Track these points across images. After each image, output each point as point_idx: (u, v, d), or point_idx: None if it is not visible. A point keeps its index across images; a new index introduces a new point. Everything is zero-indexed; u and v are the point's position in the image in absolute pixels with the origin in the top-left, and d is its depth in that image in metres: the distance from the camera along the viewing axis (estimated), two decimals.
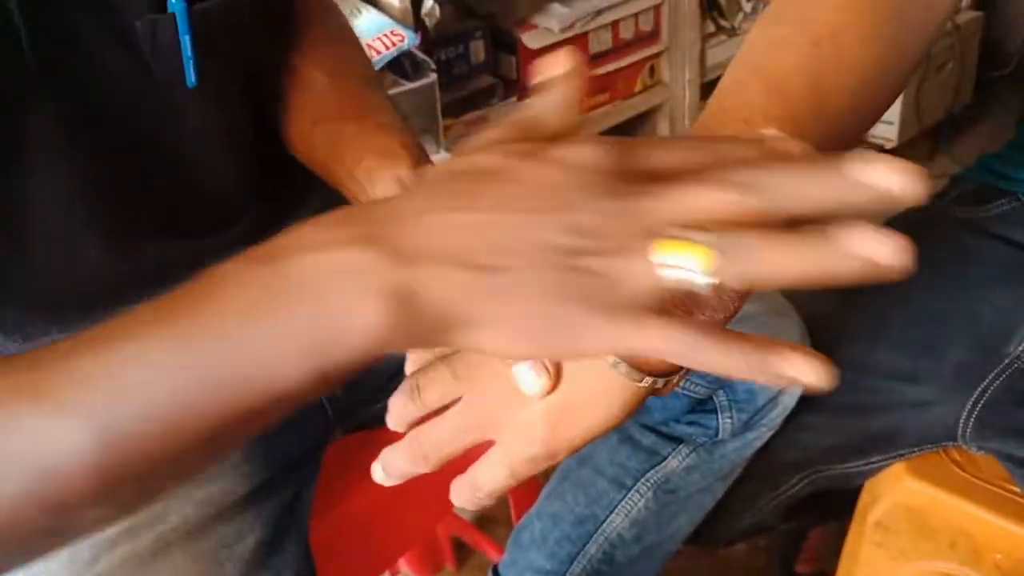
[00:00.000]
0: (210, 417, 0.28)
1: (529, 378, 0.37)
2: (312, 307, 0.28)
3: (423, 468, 0.38)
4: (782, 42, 0.44)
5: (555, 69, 0.35)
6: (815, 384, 0.29)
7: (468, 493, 0.39)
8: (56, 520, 0.28)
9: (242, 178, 0.56)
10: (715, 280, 0.28)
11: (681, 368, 0.38)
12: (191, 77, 0.48)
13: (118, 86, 0.47)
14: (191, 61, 0.48)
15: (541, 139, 0.33)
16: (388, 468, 0.39)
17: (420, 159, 0.55)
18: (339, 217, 0.30)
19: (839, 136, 0.43)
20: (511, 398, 0.37)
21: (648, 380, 0.37)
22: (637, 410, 0.72)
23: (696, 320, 0.32)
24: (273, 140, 0.63)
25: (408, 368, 0.41)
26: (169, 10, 0.46)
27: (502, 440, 0.38)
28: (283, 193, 0.62)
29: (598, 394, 0.37)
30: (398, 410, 0.40)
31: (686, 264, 0.28)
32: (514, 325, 0.29)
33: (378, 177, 0.53)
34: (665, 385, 0.38)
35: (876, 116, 0.48)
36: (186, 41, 0.47)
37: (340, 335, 0.28)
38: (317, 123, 0.59)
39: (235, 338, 0.28)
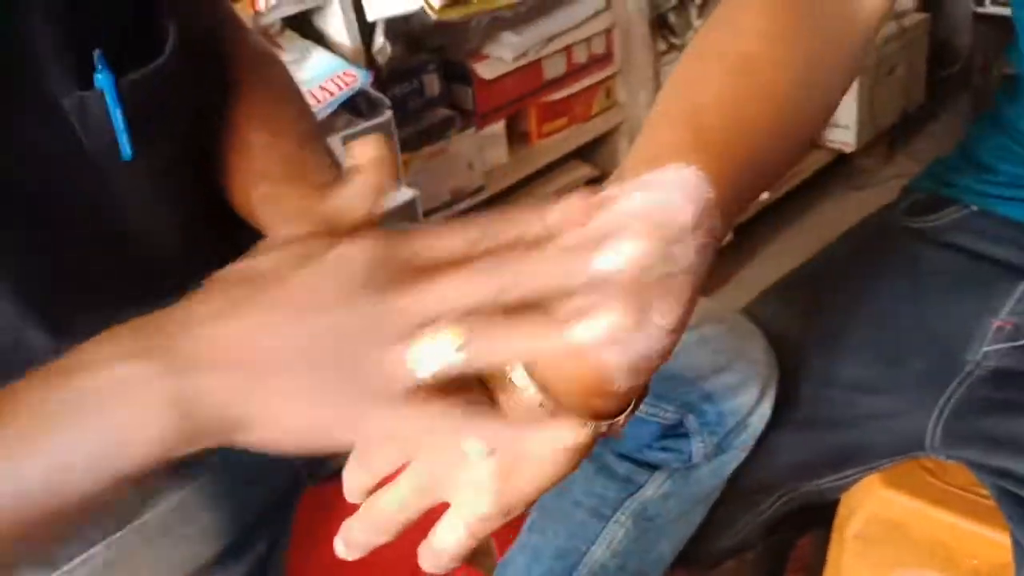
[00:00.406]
0: (18, 517, 0.31)
1: (472, 443, 0.36)
2: (98, 420, 0.31)
3: (382, 537, 0.39)
4: (700, 76, 0.45)
5: (365, 155, 0.38)
6: None
7: (432, 559, 0.39)
8: None
9: (189, 244, 0.55)
10: (464, 355, 0.32)
11: (628, 407, 0.39)
12: (126, 150, 0.47)
13: (47, 163, 0.47)
14: (124, 134, 0.47)
15: (343, 230, 0.36)
16: (348, 542, 0.39)
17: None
18: (131, 327, 0.33)
19: (764, 159, 0.43)
20: (458, 459, 0.37)
21: (590, 426, 0.37)
22: (599, 445, 0.72)
23: (450, 400, 0.34)
24: (215, 202, 0.62)
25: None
26: (96, 86, 0.45)
27: (455, 501, 0.38)
28: (235, 255, 0.61)
29: (543, 447, 0.37)
30: (351, 481, 0.40)
31: (440, 350, 0.32)
32: (284, 422, 0.32)
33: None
34: (610, 428, 0.38)
35: (808, 133, 0.48)
36: (117, 115, 0.46)
37: (125, 447, 0.31)
38: (256, 186, 0.58)
39: (37, 453, 0.31)
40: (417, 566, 0.95)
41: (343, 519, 0.71)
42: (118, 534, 0.52)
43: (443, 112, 1.45)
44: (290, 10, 1.22)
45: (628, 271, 0.32)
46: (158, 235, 0.53)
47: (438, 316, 0.32)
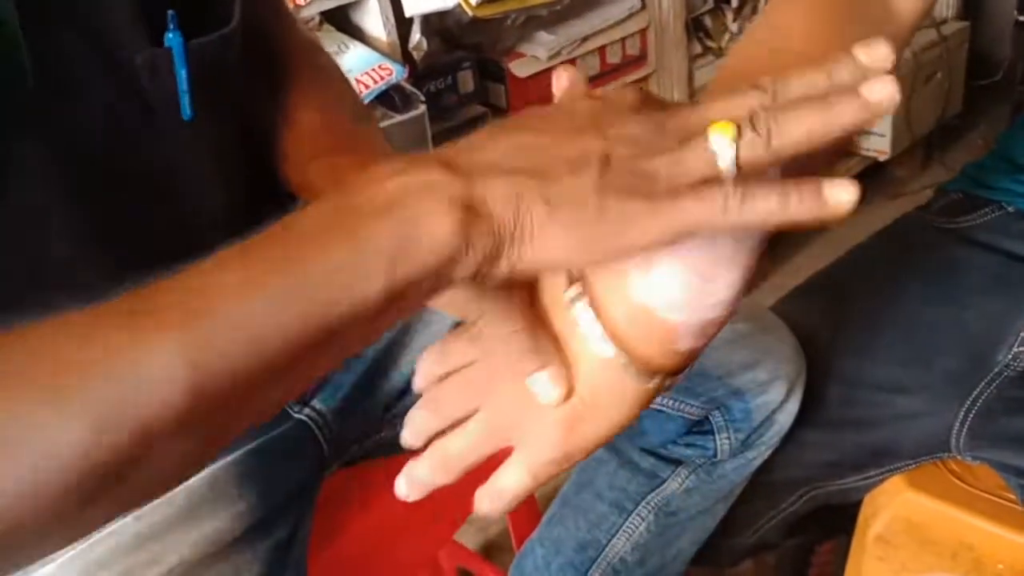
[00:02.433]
0: (293, 335, 0.29)
1: (545, 387, 0.38)
2: (390, 219, 0.30)
3: (445, 479, 0.39)
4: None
5: (559, 87, 0.39)
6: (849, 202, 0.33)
7: (491, 500, 0.39)
8: (142, 446, 0.27)
9: (235, 211, 0.56)
10: (738, 155, 0.32)
11: (686, 367, 0.40)
12: (186, 110, 0.49)
13: (111, 116, 0.48)
14: (187, 95, 0.48)
15: None
16: (411, 480, 0.39)
17: None
18: (406, 156, 0.33)
19: None
20: (528, 405, 0.38)
21: (656, 379, 0.38)
22: (634, 431, 0.73)
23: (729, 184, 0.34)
24: (265, 176, 0.64)
25: (418, 383, 0.41)
26: (166, 45, 0.47)
27: (521, 446, 0.39)
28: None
29: (611, 397, 0.38)
30: (416, 424, 0.41)
31: (719, 139, 0.32)
32: (565, 231, 0.32)
33: None
34: (669, 384, 0.40)
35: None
36: (182, 75, 0.48)
37: (416, 244, 0.30)
38: (312, 159, 0.60)
39: (320, 254, 0.30)
40: (435, 559, 0.95)
41: (364, 508, 0.72)
42: (147, 507, 0.54)
43: (477, 109, 1.46)
44: (329, 4, 1.23)
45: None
46: (203, 201, 0.54)
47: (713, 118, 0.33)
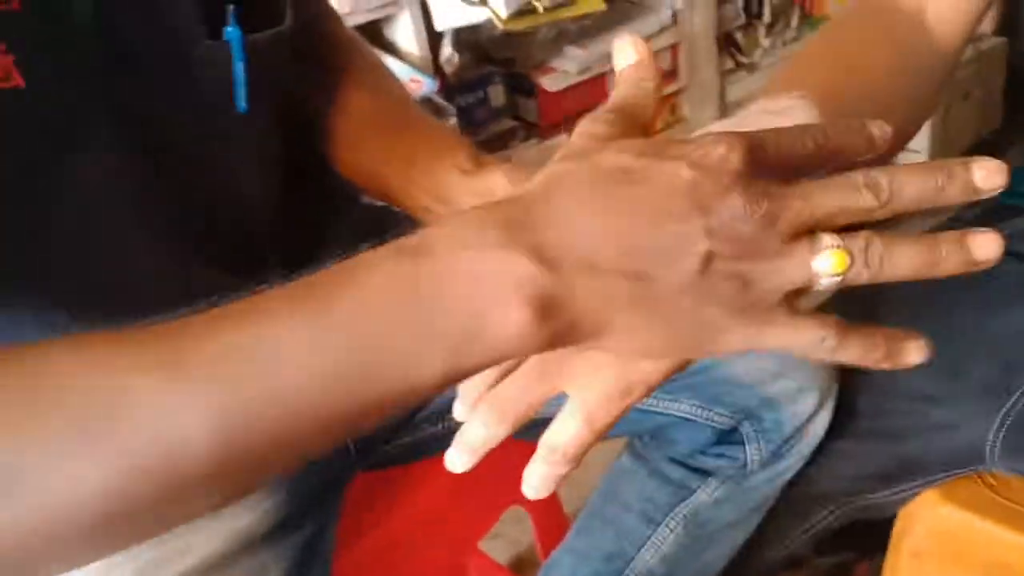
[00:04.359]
0: (337, 405, 0.28)
1: None
2: (458, 305, 0.28)
3: (500, 429, 0.35)
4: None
5: (626, 57, 0.37)
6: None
7: (546, 462, 0.35)
8: (168, 501, 0.27)
9: (280, 204, 0.57)
10: (840, 281, 0.31)
11: None
12: (241, 103, 0.50)
13: (170, 104, 0.49)
14: (242, 87, 0.49)
15: (642, 128, 0.35)
16: (464, 445, 0.36)
17: (483, 160, 0.57)
18: (484, 216, 0.30)
19: None
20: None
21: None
22: (663, 440, 0.70)
23: (831, 317, 0.33)
24: (308, 171, 0.65)
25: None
26: (225, 38, 0.48)
27: (573, 388, 0.35)
28: (318, 222, 0.63)
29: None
30: (467, 389, 0.38)
31: (827, 266, 0.31)
32: (654, 332, 0.30)
33: (458, 176, 0.56)
34: None
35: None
36: (239, 68, 0.49)
37: (482, 339, 0.28)
38: (365, 135, 0.61)
39: (376, 329, 0.28)
40: (463, 571, 0.95)
41: (390, 511, 0.72)
42: None
43: (507, 123, 1.47)
44: (362, 19, 1.25)
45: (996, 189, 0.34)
46: (253, 194, 0.55)
47: (820, 223, 0.31)
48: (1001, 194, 0.79)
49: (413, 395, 0.29)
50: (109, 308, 0.44)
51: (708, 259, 0.29)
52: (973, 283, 0.71)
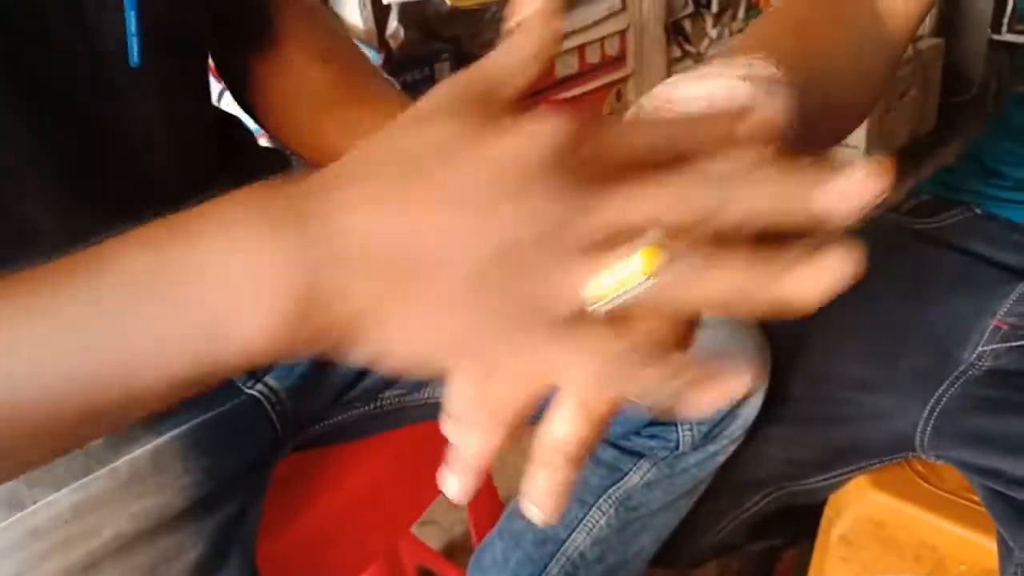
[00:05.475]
0: (66, 404, 0.25)
1: None
2: (198, 297, 0.25)
3: (496, 435, 0.32)
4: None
5: (529, 6, 0.32)
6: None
7: (546, 467, 0.31)
8: None
9: (182, 164, 0.55)
10: (655, 285, 0.26)
11: None
12: (134, 56, 0.47)
13: (65, 54, 0.46)
14: (135, 38, 0.47)
15: (503, 102, 0.30)
16: (462, 456, 0.32)
17: None
18: (268, 190, 0.27)
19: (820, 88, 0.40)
20: None
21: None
22: None
23: (629, 339, 0.28)
24: (229, 141, 0.62)
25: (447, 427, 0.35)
26: None
27: (564, 379, 0.31)
28: (227, 175, 0.61)
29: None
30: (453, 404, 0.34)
31: (627, 270, 0.26)
32: (418, 340, 0.27)
33: None
34: None
35: (856, 100, 0.48)
36: (131, 17, 0.46)
37: (226, 338, 0.26)
38: (325, 111, 0.58)
39: (106, 326, 0.25)
40: (396, 555, 0.93)
41: (320, 492, 0.71)
42: (87, 478, 0.51)
43: None
44: None
45: (853, 212, 0.26)
46: (156, 149, 0.53)
47: (632, 229, 0.26)
48: (940, 187, 0.81)
49: (148, 398, 0.26)
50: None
51: (489, 258, 0.26)
52: (912, 273, 0.72)
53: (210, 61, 0.60)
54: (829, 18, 0.48)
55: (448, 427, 0.33)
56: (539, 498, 0.31)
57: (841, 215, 0.26)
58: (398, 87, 1.28)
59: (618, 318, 0.28)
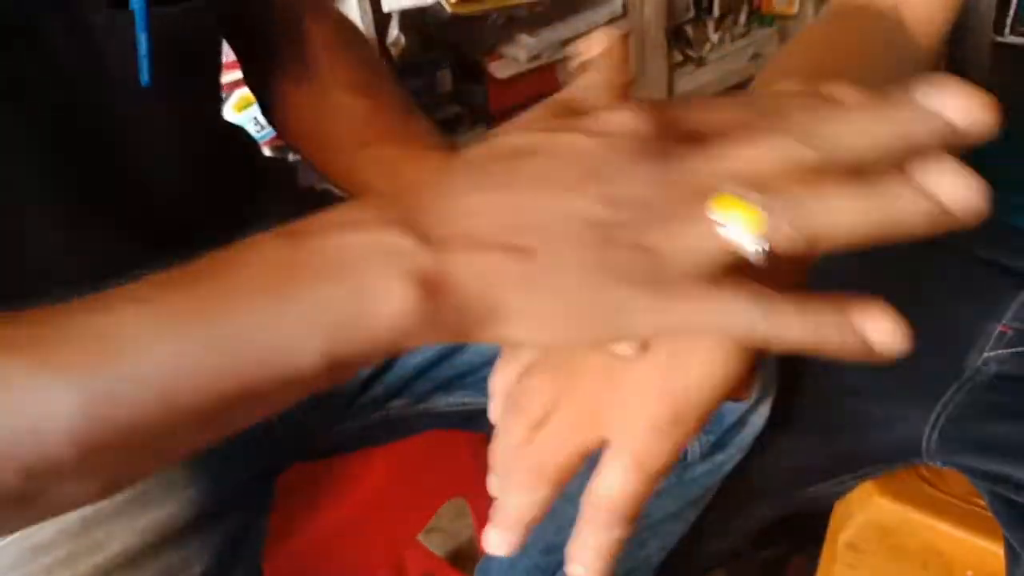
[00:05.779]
0: (208, 393, 0.26)
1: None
2: (335, 286, 0.26)
3: (543, 492, 0.32)
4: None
5: (592, 50, 0.34)
6: (891, 345, 0.29)
7: (597, 526, 0.30)
8: (30, 485, 0.25)
9: (192, 189, 0.55)
10: (766, 245, 0.26)
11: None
12: (144, 76, 0.47)
13: (69, 78, 0.46)
14: (145, 59, 0.47)
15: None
16: (507, 513, 0.32)
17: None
18: (372, 199, 0.28)
19: None
20: (608, 375, 0.32)
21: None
22: None
23: (759, 286, 0.28)
24: (234, 154, 0.62)
25: (495, 410, 0.36)
26: (131, 7, 0.46)
27: (615, 428, 0.31)
28: (242, 209, 0.61)
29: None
30: (498, 459, 0.35)
31: (739, 227, 0.26)
32: (552, 312, 0.27)
33: None
34: None
35: None
36: (142, 39, 0.46)
37: (362, 319, 0.26)
38: (361, 147, 0.58)
39: (247, 312, 0.26)
40: (401, 562, 0.93)
41: (327, 503, 0.71)
42: None
43: (454, 109, 1.45)
44: None
45: (946, 134, 0.26)
46: (159, 172, 0.53)
47: (735, 179, 0.26)
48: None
49: (291, 385, 0.27)
50: (11, 283, 0.41)
51: (603, 229, 0.27)
52: (918, 280, 0.72)
53: (221, 78, 0.60)
54: (855, 27, 0.48)
55: (491, 483, 0.33)
56: (587, 559, 0.30)
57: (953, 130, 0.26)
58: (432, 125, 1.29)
59: (743, 267, 0.27)
